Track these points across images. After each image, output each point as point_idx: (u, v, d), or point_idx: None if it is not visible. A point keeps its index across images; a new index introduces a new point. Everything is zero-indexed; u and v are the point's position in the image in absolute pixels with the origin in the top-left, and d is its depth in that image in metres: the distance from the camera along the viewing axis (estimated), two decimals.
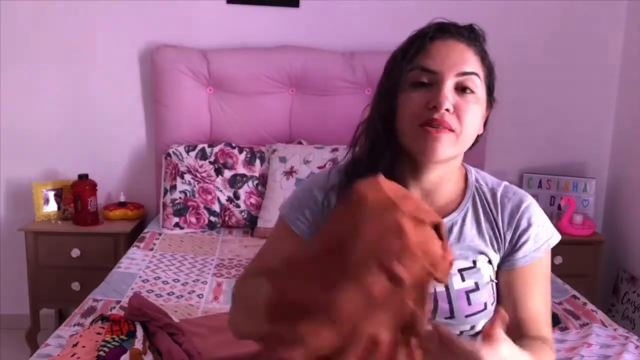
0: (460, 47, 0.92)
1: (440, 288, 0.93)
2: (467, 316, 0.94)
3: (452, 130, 0.89)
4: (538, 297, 0.97)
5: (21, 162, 2.69)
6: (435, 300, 0.93)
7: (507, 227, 0.98)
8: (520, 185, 2.85)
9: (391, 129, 0.94)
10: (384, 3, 2.61)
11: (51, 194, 2.58)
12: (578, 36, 2.81)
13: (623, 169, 2.85)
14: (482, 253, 0.97)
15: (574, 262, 2.60)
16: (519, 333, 0.93)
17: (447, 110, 0.88)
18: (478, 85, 0.92)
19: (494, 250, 0.98)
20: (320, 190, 0.98)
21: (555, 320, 1.64)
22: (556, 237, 1.01)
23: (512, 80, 2.79)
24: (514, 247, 0.98)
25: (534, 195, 3.14)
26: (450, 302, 0.93)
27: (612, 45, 2.84)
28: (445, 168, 0.96)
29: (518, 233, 0.98)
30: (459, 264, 0.95)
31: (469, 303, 0.94)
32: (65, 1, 2.58)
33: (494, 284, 0.97)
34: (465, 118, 0.90)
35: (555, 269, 2.41)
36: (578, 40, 2.82)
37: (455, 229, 0.97)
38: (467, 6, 2.67)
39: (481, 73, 0.93)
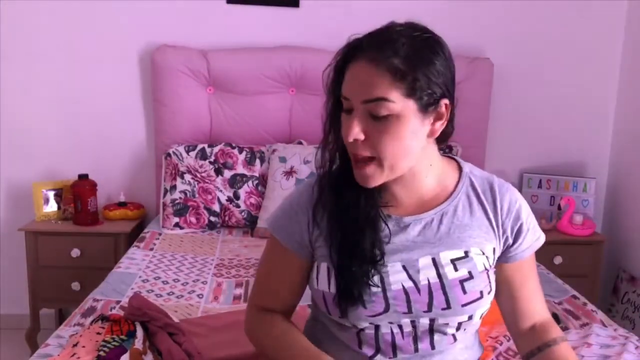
0: (367, 70, 0.88)
1: (434, 279, 0.94)
2: (463, 305, 0.94)
3: (371, 158, 0.90)
4: (535, 285, 1.05)
5: (21, 162, 2.69)
6: (430, 292, 0.94)
7: (506, 215, 1.00)
8: (520, 185, 2.87)
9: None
10: (385, 3, 2.61)
11: (51, 194, 2.59)
12: (578, 36, 2.81)
13: (623, 169, 2.85)
14: (475, 244, 0.98)
15: (574, 262, 2.60)
16: (523, 322, 1.04)
17: (357, 140, 0.89)
18: (391, 107, 0.87)
19: (491, 240, 1.00)
20: (302, 208, 1.02)
21: (555, 320, 1.64)
22: (542, 233, 1.07)
23: (512, 81, 2.80)
24: (516, 237, 1.01)
25: (533, 195, 3.13)
26: (445, 292, 0.94)
27: (612, 45, 2.84)
28: (411, 169, 0.96)
29: (519, 223, 1.01)
30: (451, 254, 0.96)
31: (464, 292, 0.94)
32: (65, 1, 2.58)
33: (489, 273, 0.98)
34: (379, 144, 0.89)
35: (555, 269, 2.43)
36: (578, 40, 2.82)
37: (446, 219, 0.98)
38: (466, 6, 2.68)
39: (396, 92, 0.87)
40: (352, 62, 0.91)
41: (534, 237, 1.02)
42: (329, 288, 0.96)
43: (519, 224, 1.00)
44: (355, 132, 0.88)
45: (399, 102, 0.87)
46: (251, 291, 1.12)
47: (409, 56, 0.87)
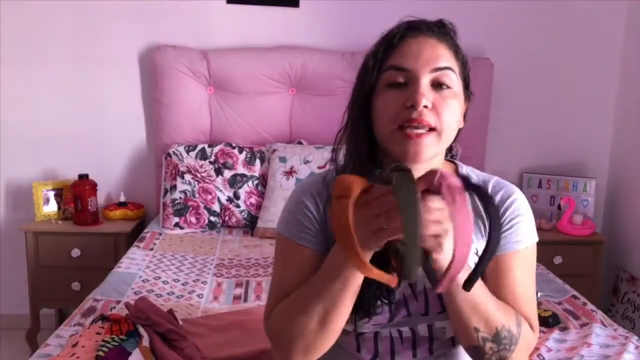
0: (432, 43, 0.91)
1: (430, 285, 0.93)
2: None
3: (432, 129, 0.87)
4: (516, 285, 0.95)
5: (21, 162, 2.69)
6: (426, 296, 0.95)
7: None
8: (520, 185, 2.87)
9: (371, 132, 0.94)
10: (384, 3, 2.61)
11: (51, 194, 2.59)
12: (578, 36, 2.81)
13: (623, 169, 2.85)
14: None
15: (574, 262, 2.60)
16: None
17: (426, 107, 0.86)
18: (454, 79, 0.90)
19: (481, 238, 0.97)
20: (310, 198, 0.97)
21: (555, 320, 1.64)
22: (536, 237, 1.00)
23: (512, 80, 2.80)
24: None
25: (533, 195, 3.12)
26: (440, 297, 0.94)
27: (612, 45, 2.84)
28: (427, 164, 0.94)
29: (504, 217, 0.97)
30: None
31: None
32: (65, 1, 2.59)
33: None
34: (444, 114, 0.88)
35: (555, 269, 2.42)
36: (578, 40, 2.82)
37: None
38: (466, 6, 2.68)
39: (456, 67, 0.92)
40: (408, 37, 0.91)
41: (515, 237, 0.96)
42: None
43: (503, 218, 0.97)
44: (426, 98, 0.87)
45: (458, 77, 0.92)
46: (267, 298, 1.02)
47: (457, 43, 0.95)
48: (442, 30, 0.93)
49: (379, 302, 0.92)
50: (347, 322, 0.94)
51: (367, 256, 0.77)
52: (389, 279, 0.75)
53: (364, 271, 0.74)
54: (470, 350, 0.91)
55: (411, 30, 0.92)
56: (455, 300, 0.86)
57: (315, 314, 0.87)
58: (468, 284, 0.76)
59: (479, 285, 0.87)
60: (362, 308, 0.92)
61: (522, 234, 0.97)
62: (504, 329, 0.89)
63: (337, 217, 0.73)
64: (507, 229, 0.96)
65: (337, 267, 0.84)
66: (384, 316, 0.94)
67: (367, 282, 0.88)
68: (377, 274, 0.74)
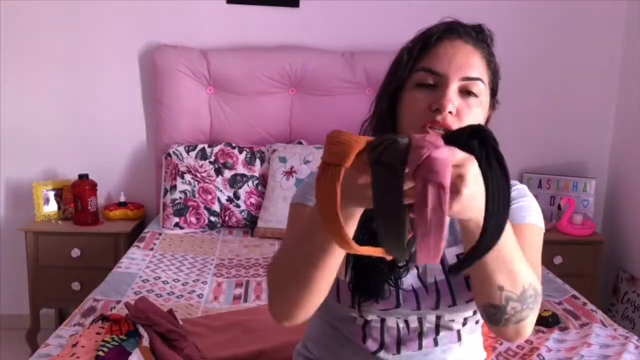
0: (467, 50, 0.92)
1: (441, 277, 0.94)
2: (467, 302, 0.95)
3: None
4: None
5: (21, 162, 2.69)
6: (438, 292, 0.95)
7: None
8: None
9: (395, 126, 0.95)
10: (384, 3, 2.61)
11: (51, 194, 2.59)
12: (578, 36, 2.81)
13: (623, 169, 2.85)
14: None
15: (574, 262, 2.60)
16: None
17: (450, 112, 0.88)
18: (482, 89, 0.91)
19: None
20: None
21: (555, 320, 1.64)
22: (542, 224, 0.97)
23: (512, 80, 2.79)
24: None
25: (533, 195, 3.12)
26: (451, 290, 0.95)
27: (612, 45, 2.84)
28: None
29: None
30: (456, 249, 0.96)
31: (469, 289, 0.95)
32: (65, 1, 2.59)
33: None
34: (465, 121, 0.89)
35: (555, 269, 2.43)
36: (578, 40, 2.81)
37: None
38: (466, 6, 2.67)
39: (486, 77, 0.93)
40: (445, 39, 0.92)
41: (520, 212, 0.94)
42: (345, 276, 0.92)
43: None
44: (452, 104, 0.88)
45: (486, 87, 0.93)
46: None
47: (492, 51, 0.97)
48: (479, 36, 0.95)
49: (387, 287, 0.92)
50: (352, 308, 0.95)
51: (351, 225, 0.68)
52: (379, 251, 0.63)
53: (350, 250, 0.63)
54: (487, 309, 0.83)
55: (449, 32, 0.92)
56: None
57: (292, 270, 0.81)
58: (456, 269, 0.64)
59: (510, 240, 0.77)
60: (369, 292, 0.92)
61: (527, 210, 0.96)
62: (530, 286, 0.81)
63: (323, 188, 0.60)
64: (513, 205, 0.94)
65: (312, 231, 0.76)
66: (391, 302, 0.94)
67: (374, 266, 0.89)
68: (364, 250, 0.62)
